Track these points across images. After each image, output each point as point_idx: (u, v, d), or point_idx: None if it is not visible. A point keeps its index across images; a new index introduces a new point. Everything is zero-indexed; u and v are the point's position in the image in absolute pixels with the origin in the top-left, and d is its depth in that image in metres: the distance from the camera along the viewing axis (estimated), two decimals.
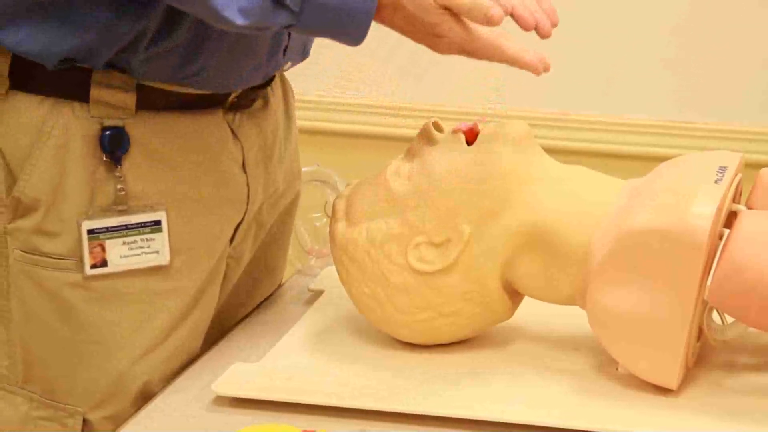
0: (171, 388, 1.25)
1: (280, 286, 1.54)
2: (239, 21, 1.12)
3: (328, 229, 1.31)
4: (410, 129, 1.48)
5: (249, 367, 1.24)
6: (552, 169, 1.26)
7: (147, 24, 1.18)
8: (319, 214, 1.61)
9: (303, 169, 1.54)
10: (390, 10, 1.16)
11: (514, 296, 1.28)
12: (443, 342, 1.29)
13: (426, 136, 1.26)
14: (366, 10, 1.15)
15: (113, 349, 1.25)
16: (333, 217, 1.29)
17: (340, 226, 1.27)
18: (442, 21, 1.16)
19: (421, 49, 1.22)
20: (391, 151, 1.31)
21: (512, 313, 1.30)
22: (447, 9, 1.15)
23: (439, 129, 1.26)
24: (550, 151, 1.29)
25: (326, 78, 2.41)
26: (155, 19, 1.18)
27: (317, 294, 1.47)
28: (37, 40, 1.19)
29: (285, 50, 1.31)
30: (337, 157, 2.12)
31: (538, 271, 1.23)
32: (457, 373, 1.24)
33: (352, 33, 1.16)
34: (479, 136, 1.24)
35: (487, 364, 1.26)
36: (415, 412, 1.15)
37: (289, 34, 1.30)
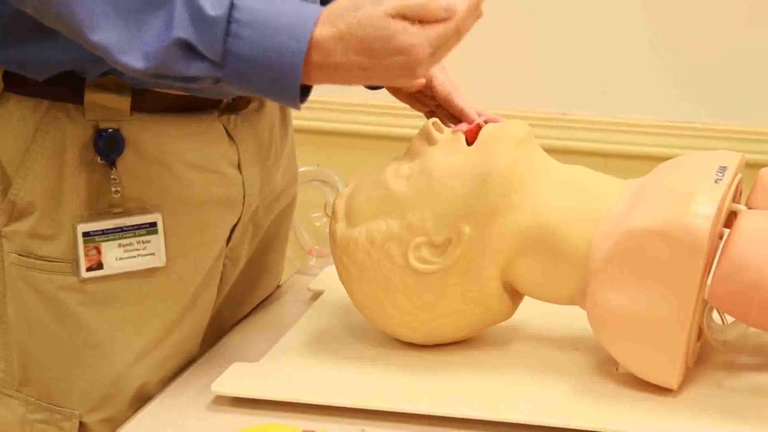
0: (171, 387, 1.25)
1: (278, 287, 1.54)
2: (140, 65, 1.07)
3: (328, 229, 1.31)
4: (410, 129, 1.48)
5: (249, 367, 1.24)
6: (552, 169, 1.26)
7: None
8: (319, 214, 1.61)
9: (303, 169, 1.54)
10: (338, 48, 1.07)
11: (514, 296, 1.28)
12: (443, 342, 1.29)
13: (426, 137, 1.26)
14: (292, 64, 1.07)
15: (109, 351, 1.24)
16: (333, 218, 1.29)
17: (340, 227, 1.27)
18: (396, 29, 1.07)
19: None
20: (391, 151, 1.31)
21: (512, 313, 1.30)
22: (397, 17, 1.08)
23: (439, 129, 1.26)
24: (549, 151, 1.29)
25: None
26: None
27: (317, 294, 1.47)
28: (25, 60, 1.19)
29: None
30: (337, 157, 2.12)
31: (538, 271, 1.23)
32: (457, 372, 1.24)
33: (284, 95, 1.09)
34: (479, 136, 1.24)
35: (487, 364, 1.26)
36: (414, 412, 1.15)
37: None
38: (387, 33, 1.07)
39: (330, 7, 1.09)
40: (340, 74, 1.09)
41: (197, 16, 1.06)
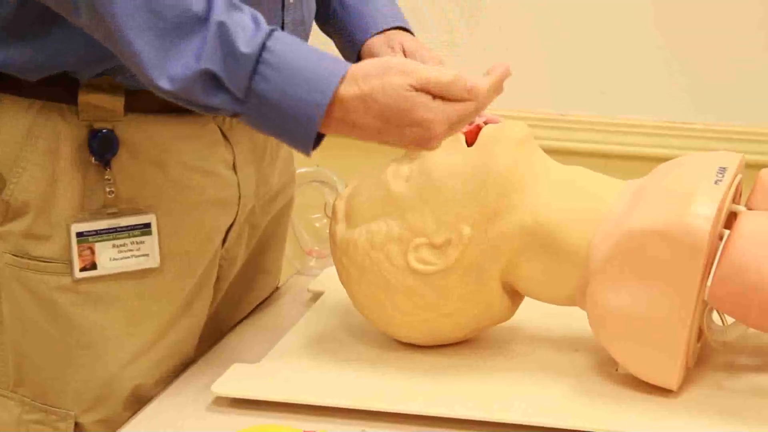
0: (171, 388, 1.25)
1: (277, 288, 1.53)
2: (165, 86, 1.08)
3: (328, 230, 1.31)
4: None
5: (249, 368, 1.24)
6: (552, 169, 1.26)
7: None
8: (318, 215, 1.61)
9: (302, 170, 1.54)
10: (359, 108, 1.09)
11: (514, 297, 1.28)
12: (443, 342, 1.29)
13: None
14: (311, 115, 1.08)
15: (103, 352, 1.24)
16: (333, 219, 1.29)
17: (341, 228, 1.27)
18: (418, 102, 1.08)
19: None
20: (391, 152, 1.30)
21: (512, 314, 1.30)
22: (421, 90, 1.09)
23: None
24: (549, 151, 1.29)
25: None
26: None
27: (317, 295, 1.47)
28: (21, 61, 1.19)
29: None
30: (336, 158, 2.11)
31: (538, 272, 1.23)
32: (457, 373, 1.24)
33: (299, 140, 1.11)
34: (479, 137, 1.24)
35: (487, 364, 1.26)
36: (414, 413, 1.15)
37: None
38: (408, 105, 1.08)
39: (359, 65, 1.10)
40: (356, 132, 1.11)
41: (229, 50, 1.07)
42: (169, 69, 1.08)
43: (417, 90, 1.08)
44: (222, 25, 1.07)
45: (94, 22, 1.10)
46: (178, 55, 1.08)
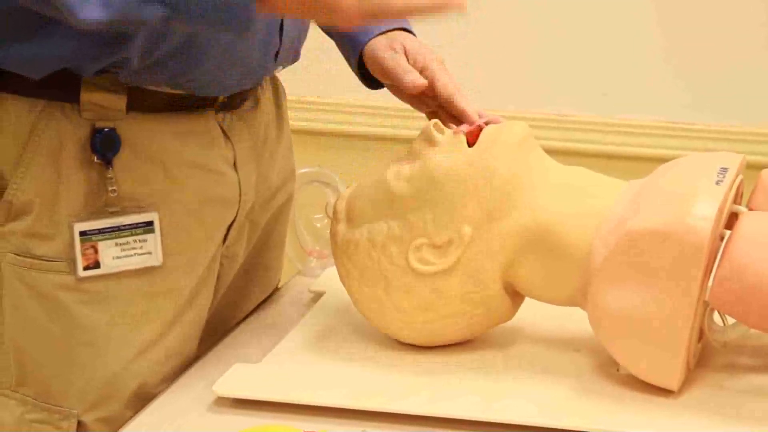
0: (172, 388, 1.26)
1: (277, 287, 1.53)
2: (98, 16, 1.07)
3: (328, 230, 1.31)
4: (411, 130, 1.48)
5: (250, 368, 1.24)
6: (553, 170, 1.26)
7: (131, 46, 1.18)
8: (320, 216, 1.61)
9: (304, 170, 1.54)
10: None
11: (515, 297, 1.28)
12: (444, 343, 1.30)
13: (427, 138, 1.26)
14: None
15: (106, 350, 1.25)
16: (334, 219, 1.29)
17: (341, 228, 1.28)
18: None
19: None
20: (392, 153, 1.31)
21: (513, 314, 1.30)
22: None
23: (440, 130, 1.26)
24: (549, 152, 1.29)
25: (326, 79, 2.40)
26: (137, 44, 1.18)
27: (318, 295, 1.47)
28: (20, 59, 1.19)
29: (276, 55, 1.31)
30: (338, 158, 2.12)
31: (539, 272, 1.23)
32: (458, 374, 1.24)
33: (234, 24, 1.08)
34: (480, 137, 1.24)
35: (488, 365, 1.26)
36: (415, 413, 1.15)
37: (281, 39, 1.30)
38: None
39: None
40: (288, 10, 1.11)
41: None
42: None
43: None
44: None
45: None
46: None
